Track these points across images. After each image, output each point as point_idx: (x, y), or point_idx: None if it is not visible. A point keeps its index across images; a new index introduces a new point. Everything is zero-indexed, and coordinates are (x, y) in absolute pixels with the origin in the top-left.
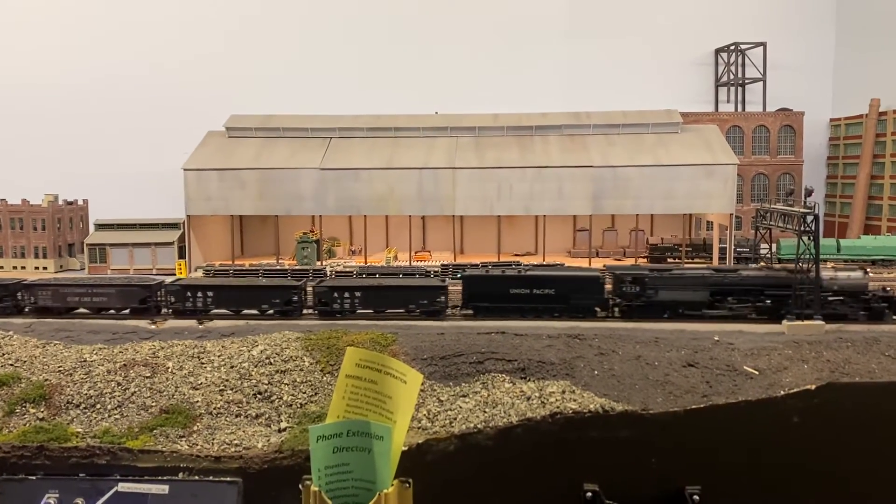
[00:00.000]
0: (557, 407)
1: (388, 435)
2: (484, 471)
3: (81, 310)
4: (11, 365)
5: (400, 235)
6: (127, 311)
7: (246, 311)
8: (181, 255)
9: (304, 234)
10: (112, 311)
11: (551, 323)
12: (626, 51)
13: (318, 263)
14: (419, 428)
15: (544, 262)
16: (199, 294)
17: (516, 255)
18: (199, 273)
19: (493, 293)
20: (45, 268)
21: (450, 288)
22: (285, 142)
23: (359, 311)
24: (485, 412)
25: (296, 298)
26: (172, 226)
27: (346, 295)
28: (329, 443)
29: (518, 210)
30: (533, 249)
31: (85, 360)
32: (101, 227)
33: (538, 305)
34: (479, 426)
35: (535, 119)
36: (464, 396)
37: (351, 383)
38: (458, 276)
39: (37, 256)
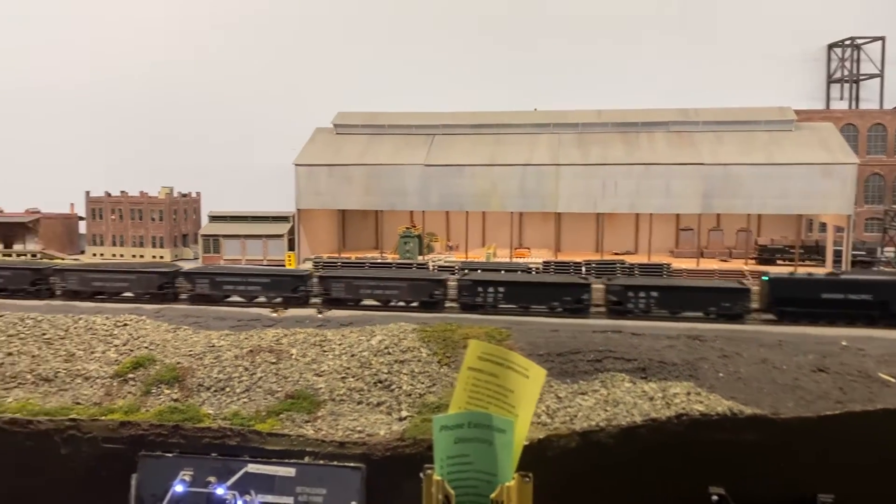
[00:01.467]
0: (683, 408)
1: (510, 428)
2: (606, 469)
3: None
4: (146, 347)
5: (496, 232)
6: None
7: (534, 308)
8: (290, 248)
9: (407, 228)
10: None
11: (669, 323)
12: (733, 46)
13: (420, 258)
14: (539, 423)
15: (650, 263)
16: (490, 290)
17: (616, 253)
18: (309, 265)
19: (803, 297)
20: (161, 257)
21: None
22: (390, 138)
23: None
24: (606, 410)
25: (585, 297)
26: (282, 219)
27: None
28: (451, 433)
29: (623, 207)
30: (633, 248)
31: (213, 345)
32: (214, 218)
33: (853, 311)
34: (600, 424)
35: (640, 115)
36: (582, 394)
37: (473, 376)
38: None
39: (154, 246)
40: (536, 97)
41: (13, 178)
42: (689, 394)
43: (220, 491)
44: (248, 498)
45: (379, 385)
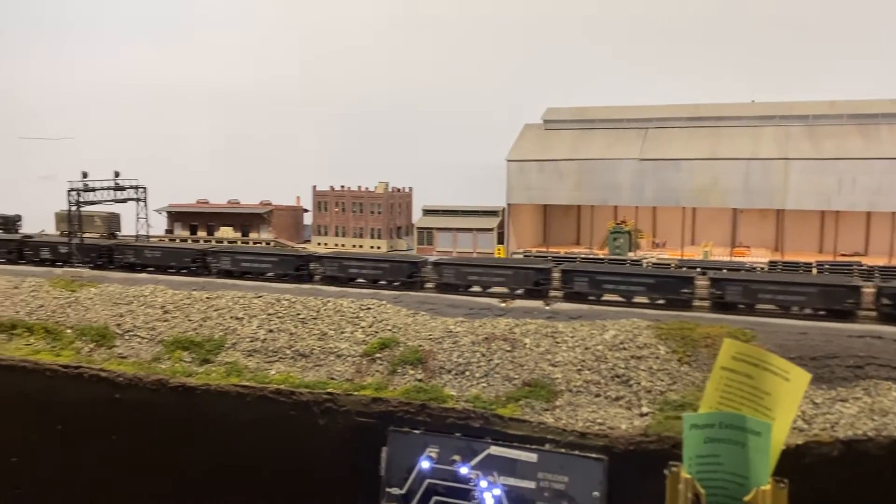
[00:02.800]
0: None
1: (766, 431)
2: (872, 482)
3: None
4: (389, 330)
5: (706, 229)
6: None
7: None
8: (500, 241)
9: (618, 224)
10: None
11: None
12: None
13: (631, 254)
14: (794, 428)
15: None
16: (747, 288)
17: (843, 255)
18: (520, 258)
19: None
20: (378, 247)
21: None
22: (600, 133)
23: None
24: (873, 420)
25: (851, 300)
26: (492, 213)
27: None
28: (701, 432)
29: (861, 205)
30: (862, 249)
31: (450, 331)
32: (427, 212)
33: None
34: (868, 433)
35: (881, 106)
36: (842, 401)
37: (726, 376)
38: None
39: (372, 237)
40: (755, 88)
41: (246, 173)
42: None
43: (463, 470)
44: (491, 479)
45: (616, 380)
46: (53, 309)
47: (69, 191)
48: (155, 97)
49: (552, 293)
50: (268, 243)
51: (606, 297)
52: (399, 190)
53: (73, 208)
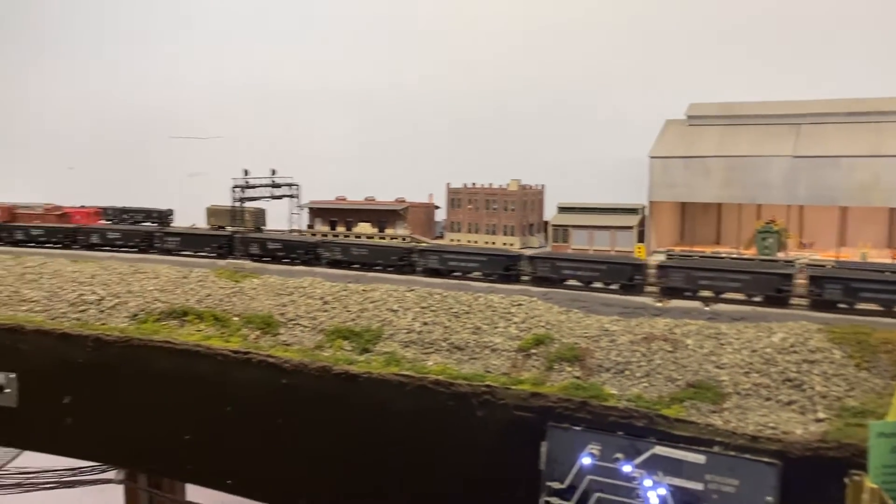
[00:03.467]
0: None
1: None
2: None
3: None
4: (543, 327)
5: (859, 229)
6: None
7: None
8: (640, 240)
9: (767, 223)
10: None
11: None
12: None
13: (781, 255)
14: None
15: None
16: None
17: None
18: (661, 258)
19: None
20: (511, 244)
21: None
22: (748, 129)
23: None
24: None
25: None
26: (631, 211)
27: None
28: (890, 441)
29: None
30: None
31: (606, 329)
32: (563, 209)
33: None
34: None
35: None
36: None
37: None
38: None
39: (504, 234)
40: None
41: (381, 171)
42: None
43: (627, 468)
44: (655, 478)
45: (787, 384)
46: (220, 298)
47: (233, 187)
48: (291, 99)
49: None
50: (403, 238)
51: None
52: (531, 187)
53: (238, 203)
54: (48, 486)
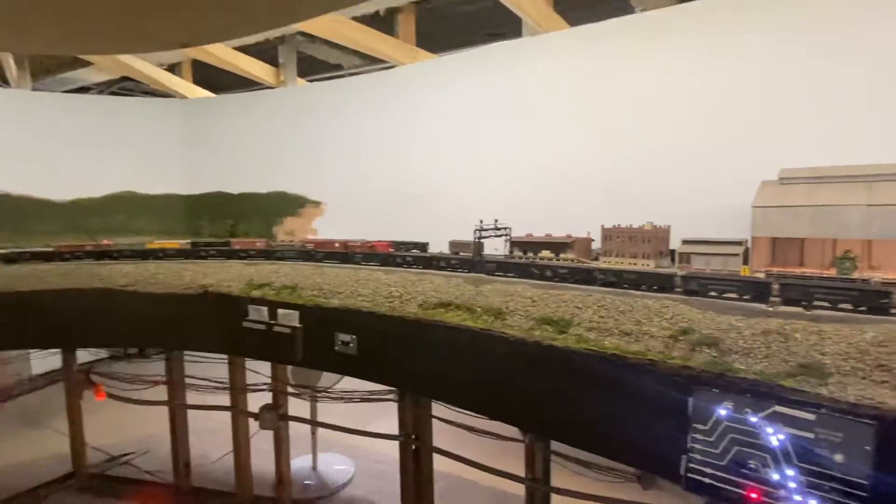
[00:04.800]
0: None
1: None
2: None
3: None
4: (686, 322)
5: None
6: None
7: None
8: (744, 262)
9: (846, 252)
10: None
11: None
12: None
13: (856, 275)
14: None
15: None
16: None
17: None
18: (761, 275)
19: None
20: (647, 265)
21: None
22: (830, 186)
23: None
24: None
25: None
26: (737, 243)
27: None
28: None
29: None
30: None
31: (733, 325)
32: (686, 242)
33: None
34: None
35: None
36: None
37: None
38: None
39: (643, 258)
40: None
41: (555, 217)
42: None
43: (753, 419)
44: (776, 427)
45: (880, 368)
46: (469, 296)
47: (475, 230)
48: (505, 173)
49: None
50: (572, 260)
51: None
52: (661, 227)
53: (477, 239)
54: (356, 400)
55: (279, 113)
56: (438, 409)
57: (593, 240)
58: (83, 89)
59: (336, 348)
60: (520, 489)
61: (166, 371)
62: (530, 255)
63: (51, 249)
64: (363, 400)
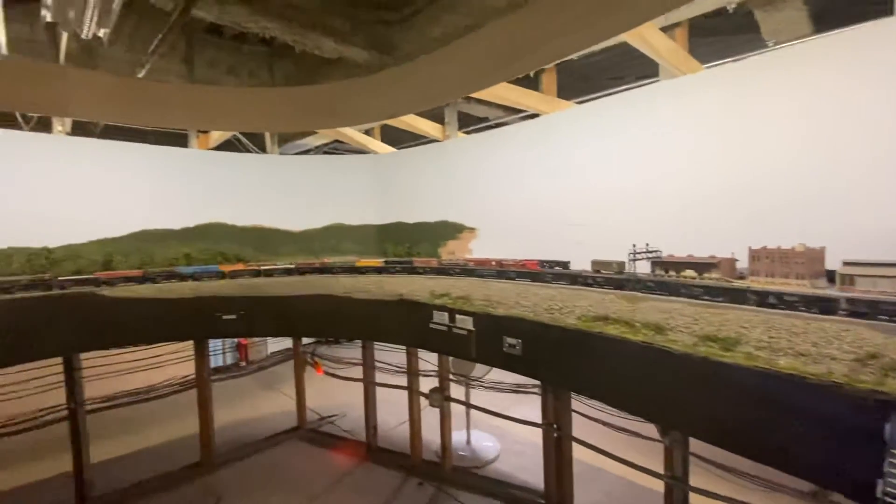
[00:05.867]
0: None
1: None
2: None
3: None
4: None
5: None
6: None
7: None
8: None
9: None
10: None
11: None
12: None
13: None
14: None
15: None
16: None
17: None
18: None
19: None
20: (802, 285)
21: None
22: None
23: None
24: None
25: None
26: None
27: None
28: None
29: None
30: None
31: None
32: (847, 263)
33: None
34: None
35: None
36: None
37: None
38: None
39: (795, 279)
40: None
41: (698, 239)
42: None
43: None
44: None
45: None
46: (625, 311)
47: (629, 253)
48: (645, 199)
49: None
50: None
51: None
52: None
53: (630, 261)
54: (505, 390)
55: (444, 160)
56: (576, 403)
57: (737, 260)
58: (306, 151)
59: (504, 349)
60: (646, 480)
61: (362, 356)
62: (672, 273)
63: (293, 266)
64: (511, 391)
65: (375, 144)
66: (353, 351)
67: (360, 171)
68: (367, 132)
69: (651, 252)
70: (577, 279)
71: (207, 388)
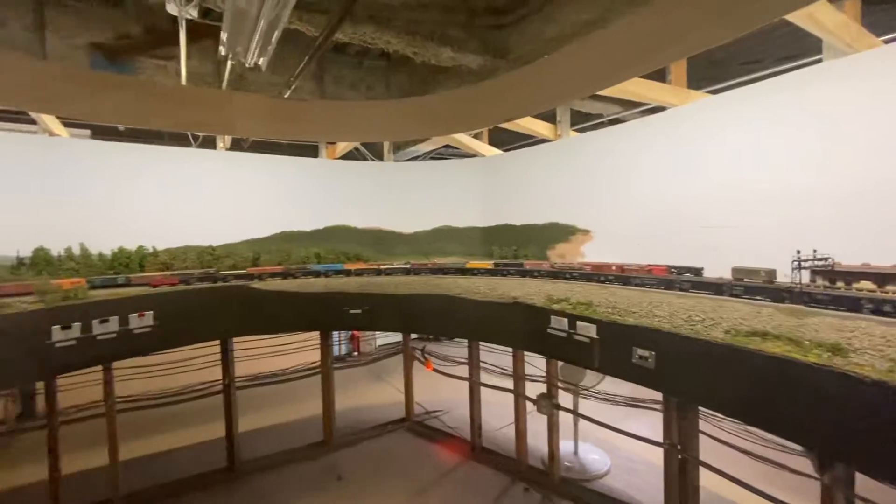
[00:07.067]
0: None
1: None
2: None
3: None
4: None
5: None
6: None
7: None
8: None
9: None
10: None
11: None
12: None
13: None
14: None
15: None
16: None
17: None
18: None
19: None
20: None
21: None
22: None
23: None
24: None
25: None
26: None
27: None
28: None
29: None
30: None
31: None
32: None
33: None
34: None
35: None
36: None
37: None
38: None
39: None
40: None
41: (879, 244)
42: None
43: None
44: None
45: None
46: (790, 327)
47: (793, 260)
48: (782, 199)
49: None
50: None
51: None
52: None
53: (794, 269)
54: (620, 403)
55: (554, 160)
56: (704, 425)
57: None
58: (416, 157)
59: (633, 360)
60: None
61: (468, 355)
62: (839, 284)
63: (409, 266)
64: (627, 404)
65: (483, 147)
66: (458, 349)
67: (467, 174)
68: (476, 135)
69: (819, 260)
70: (721, 289)
71: (330, 374)
